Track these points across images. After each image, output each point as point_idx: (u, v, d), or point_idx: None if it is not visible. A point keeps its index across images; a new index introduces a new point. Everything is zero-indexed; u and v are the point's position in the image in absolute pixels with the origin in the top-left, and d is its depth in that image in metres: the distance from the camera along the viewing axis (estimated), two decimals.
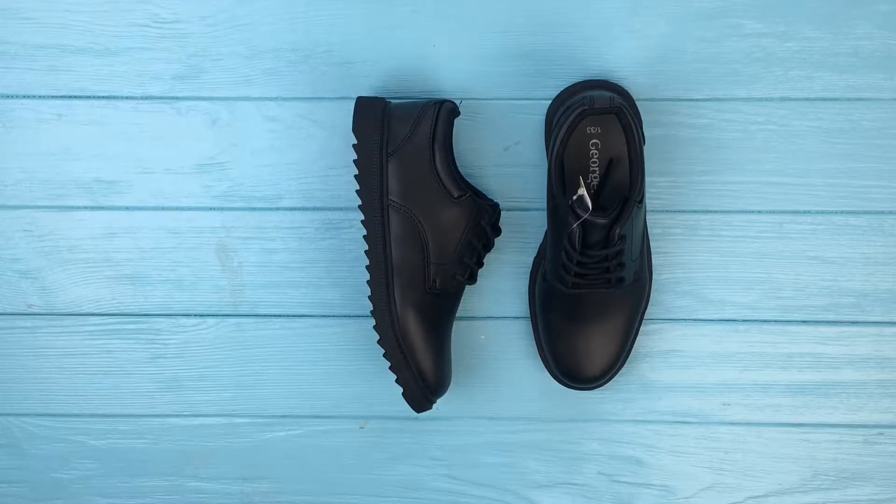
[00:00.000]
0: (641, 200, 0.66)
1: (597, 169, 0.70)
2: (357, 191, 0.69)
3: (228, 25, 0.73)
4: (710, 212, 0.75)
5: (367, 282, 0.70)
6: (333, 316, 0.78)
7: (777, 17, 0.72)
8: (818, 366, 0.77)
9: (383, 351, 0.70)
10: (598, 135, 0.69)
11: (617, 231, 0.63)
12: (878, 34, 0.71)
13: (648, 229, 0.73)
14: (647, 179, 0.69)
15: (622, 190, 0.68)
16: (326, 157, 0.75)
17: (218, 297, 0.78)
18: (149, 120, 0.75)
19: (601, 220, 0.63)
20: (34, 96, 0.75)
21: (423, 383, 0.71)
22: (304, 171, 0.75)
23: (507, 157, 0.74)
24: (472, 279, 0.72)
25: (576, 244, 0.64)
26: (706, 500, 0.81)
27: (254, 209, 0.76)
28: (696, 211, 0.75)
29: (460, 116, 0.72)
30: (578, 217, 0.63)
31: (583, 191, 0.63)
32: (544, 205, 0.70)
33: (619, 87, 0.71)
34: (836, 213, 0.74)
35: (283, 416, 0.80)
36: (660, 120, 0.73)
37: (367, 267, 0.70)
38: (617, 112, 0.64)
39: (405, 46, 0.73)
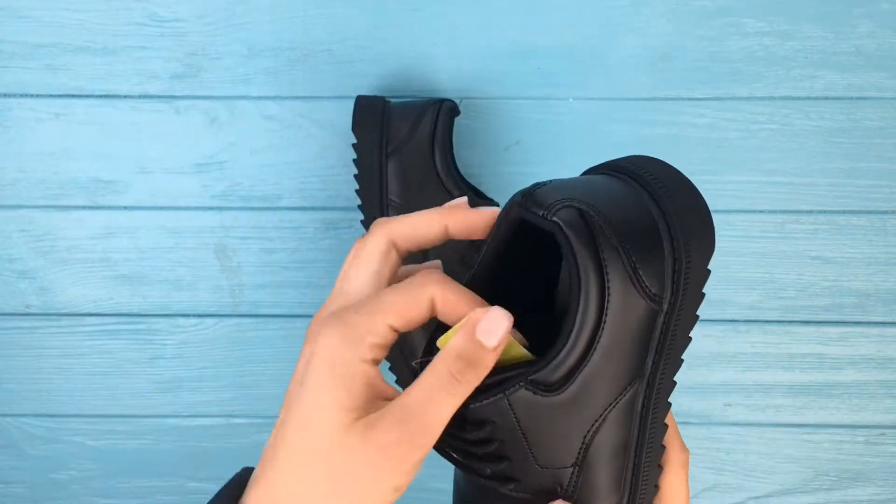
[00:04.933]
0: (563, 388, 0.34)
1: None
2: (357, 190, 0.69)
3: (227, 24, 0.73)
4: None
5: None
6: None
7: (779, 15, 0.71)
8: (820, 366, 0.77)
9: None
10: None
11: (473, 408, 0.35)
12: (881, 33, 0.71)
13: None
14: None
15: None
16: (326, 157, 0.75)
17: (217, 297, 0.78)
18: (147, 119, 0.74)
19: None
20: (32, 95, 0.74)
21: None
22: (304, 170, 0.75)
23: (507, 157, 0.74)
24: None
25: None
26: (707, 500, 0.80)
27: (253, 209, 0.76)
28: None
29: (460, 116, 0.71)
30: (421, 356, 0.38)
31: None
32: None
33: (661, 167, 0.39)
34: (838, 212, 0.74)
35: None
36: (661, 119, 0.73)
37: None
38: (552, 230, 0.35)
39: (405, 46, 0.72)
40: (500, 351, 0.34)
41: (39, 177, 0.76)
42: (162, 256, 0.77)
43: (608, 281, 0.34)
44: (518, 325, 0.37)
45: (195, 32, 0.73)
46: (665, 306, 0.36)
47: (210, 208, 0.76)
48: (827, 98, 0.72)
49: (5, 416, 0.80)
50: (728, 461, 0.79)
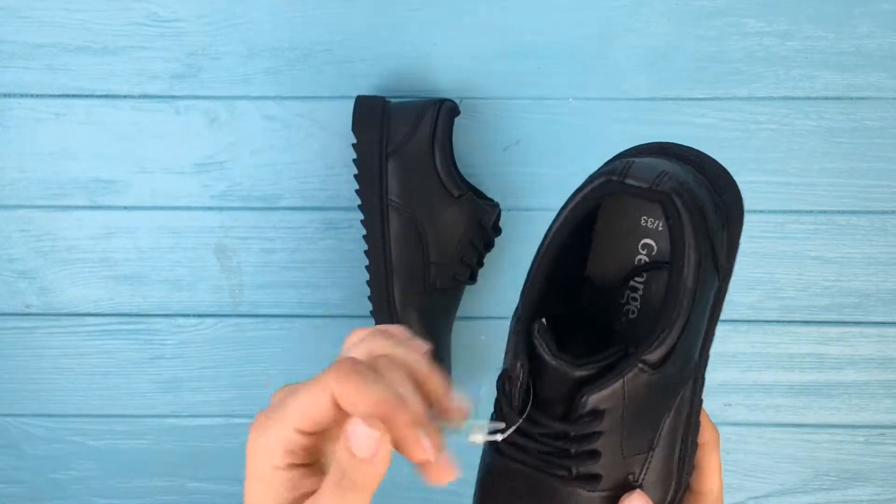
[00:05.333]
0: (661, 366, 0.35)
1: (640, 289, 0.42)
2: (357, 190, 0.69)
3: (227, 24, 0.73)
4: None
5: (367, 282, 0.70)
6: (333, 316, 0.78)
7: (779, 15, 0.71)
8: (820, 366, 0.77)
9: None
10: (655, 232, 0.41)
11: (586, 399, 0.34)
12: (881, 33, 0.71)
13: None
14: None
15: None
16: (326, 157, 0.75)
17: (217, 297, 0.78)
18: (147, 119, 0.74)
19: (562, 367, 0.35)
20: (32, 95, 0.74)
21: None
22: (304, 170, 0.75)
23: (507, 157, 0.74)
24: (473, 279, 0.72)
25: (515, 395, 0.36)
26: None
27: (253, 209, 0.76)
28: None
29: (460, 116, 0.71)
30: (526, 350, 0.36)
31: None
32: (546, 204, 0.70)
33: (716, 165, 0.40)
34: (838, 212, 0.74)
35: None
36: (661, 119, 0.73)
37: (366, 267, 0.70)
38: (662, 201, 0.35)
39: (405, 46, 0.72)
40: (379, 461, 0.32)
41: (39, 177, 0.75)
42: (162, 256, 0.77)
43: (701, 253, 0.36)
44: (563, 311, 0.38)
45: (195, 32, 0.73)
46: (721, 276, 0.38)
47: (210, 208, 0.76)
48: (827, 98, 0.72)
49: (5, 416, 0.80)
50: (728, 461, 0.79)
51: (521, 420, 0.36)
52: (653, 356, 0.34)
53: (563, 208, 0.38)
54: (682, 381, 0.37)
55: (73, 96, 0.74)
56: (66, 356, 0.79)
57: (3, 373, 0.80)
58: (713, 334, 0.38)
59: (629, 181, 0.36)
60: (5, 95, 0.74)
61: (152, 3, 0.72)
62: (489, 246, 0.72)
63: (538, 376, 0.35)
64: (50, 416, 0.80)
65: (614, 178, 0.36)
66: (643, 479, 0.37)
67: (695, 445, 0.39)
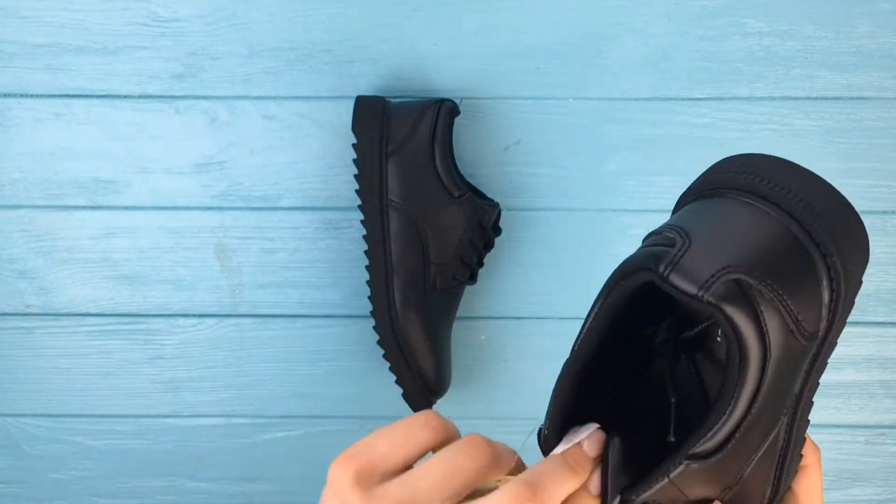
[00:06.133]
0: (720, 450, 0.32)
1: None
2: (357, 190, 0.69)
3: (227, 24, 0.73)
4: None
5: (367, 282, 0.70)
6: (333, 316, 0.78)
7: (779, 15, 0.71)
8: None
9: (383, 351, 0.70)
10: None
11: (633, 499, 0.33)
12: (881, 33, 0.71)
13: None
14: (647, 179, 0.68)
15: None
16: (326, 157, 0.75)
17: (217, 298, 0.78)
18: (147, 119, 0.74)
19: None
20: (32, 95, 0.74)
21: (423, 383, 0.71)
22: (304, 170, 0.75)
23: (507, 157, 0.74)
24: (473, 279, 0.72)
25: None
26: None
27: (253, 209, 0.76)
28: None
29: (460, 116, 0.71)
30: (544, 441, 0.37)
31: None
32: (546, 204, 0.70)
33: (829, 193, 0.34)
34: None
35: (283, 417, 0.80)
36: (661, 119, 0.73)
37: (366, 267, 0.70)
38: (711, 313, 0.31)
39: (405, 46, 0.72)
40: None
41: (39, 177, 0.75)
42: (162, 256, 0.77)
43: (769, 344, 0.31)
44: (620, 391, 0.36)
45: (195, 32, 0.73)
46: (821, 335, 0.34)
47: (210, 208, 0.76)
48: (827, 98, 0.72)
49: (5, 416, 0.80)
50: None
51: None
52: (702, 448, 0.32)
53: (598, 297, 0.34)
54: (757, 446, 0.34)
55: (73, 96, 0.74)
56: (66, 356, 0.79)
57: (3, 373, 0.80)
58: (816, 383, 0.36)
59: (674, 280, 0.30)
60: (5, 95, 0.74)
61: (152, 3, 0.72)
62: (489, 246, 0.72)
63: None
64: (50, 416, 0.80)
65: (660, 269, 0.30)
66: None
67: (792, 472, 0.37)
